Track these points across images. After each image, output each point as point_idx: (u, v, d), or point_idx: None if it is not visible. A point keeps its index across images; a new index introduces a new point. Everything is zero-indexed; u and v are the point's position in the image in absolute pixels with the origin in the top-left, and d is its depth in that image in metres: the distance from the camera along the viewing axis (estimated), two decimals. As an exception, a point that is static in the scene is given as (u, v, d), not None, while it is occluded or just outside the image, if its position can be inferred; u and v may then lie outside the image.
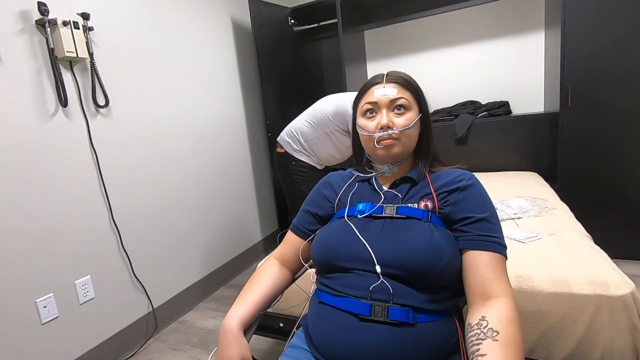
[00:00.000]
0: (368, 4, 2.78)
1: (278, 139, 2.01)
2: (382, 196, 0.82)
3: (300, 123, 1.95)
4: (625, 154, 1.97)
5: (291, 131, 1.96)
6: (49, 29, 1.43)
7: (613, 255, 1.18)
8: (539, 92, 2.56)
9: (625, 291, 0.93)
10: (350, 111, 1.76)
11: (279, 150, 1.99)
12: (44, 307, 1.43)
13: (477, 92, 2.71)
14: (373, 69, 3.02)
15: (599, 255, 1.12)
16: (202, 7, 2.31)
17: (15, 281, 1.35)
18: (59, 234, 1.49)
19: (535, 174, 2.27)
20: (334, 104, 1.86)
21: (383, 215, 0.78)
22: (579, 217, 1.50)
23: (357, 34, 2.85)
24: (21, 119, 1.39)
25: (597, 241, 1.27)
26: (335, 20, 2.53)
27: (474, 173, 0.82)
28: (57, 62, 1.47)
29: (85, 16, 1.55)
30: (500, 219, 1.46)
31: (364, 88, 0.86)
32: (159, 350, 1.75)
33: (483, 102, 2.65)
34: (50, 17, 1.42)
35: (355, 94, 1.91)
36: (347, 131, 1.87)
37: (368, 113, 0.83)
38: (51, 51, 1.45)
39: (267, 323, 1.32)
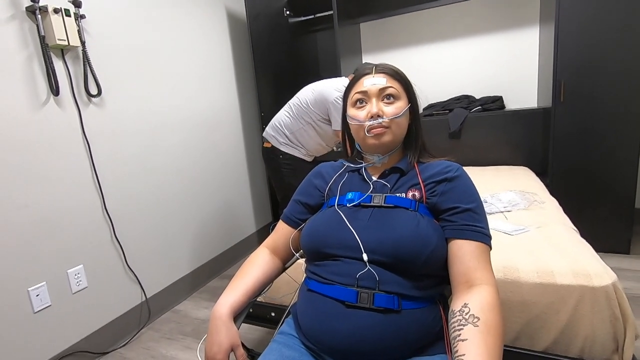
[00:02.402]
0: (364, -4, 2.77)
1: (264, 133, 1.99)
2: (372, 186, 0.83)
3: (283, 115, 1.94)
4: (615, 149, 2.00)
5: (275, 124, 1.95)
6: (39, 15, 1.42)
7: (600, 249, 1.20)
8: (532, 87, 2.58)
9: (607, 282, 0.95)
10: (330, 97, 1.78)
11: (265, 145, 1.97)
12: (37, 295, 1.44)
13: (471, 86, 2.72)
14: (369, 61, 3.01)
15: (584, 248, 1.15)
16: (197, -4, 2.28)
17: (8, 270, 1.36)
18: (52, 224, 1.49)
19: (527, 169, 2.30)
20: (314, 93, 1.85)
21: (372, 204, 0.79)
22: (567, 211, 1.53)
23: (353, 26, 2.83)
24: (12, 108, 1.37)
25: (585, 235, 1.30)
26: (331, 12, 2.51)
27: (467, 167, 0.83)
28: (48, 50, 1.45)
29: (77, 4, 1.53)
30: (490, 212, 1.51)
31: (355, 78, 0.87)
32: (152, 339, 1.77)
33: (477, 97, 2.66)
34: (40, 3, 1.41)
35: (335, 79, 1.91)
36: (328, 119, 1.86)
37: (358, 103, 0.84)
38: (42, 39, 1.43)
39: (258, 312, 1.34)
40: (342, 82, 1.85)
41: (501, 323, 0.63)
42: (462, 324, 0.62)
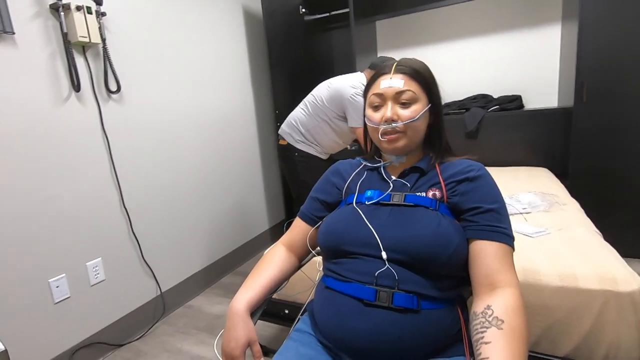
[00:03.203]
0: (380, -6, 2.74)
1: (279, 131, 1.99)
2: (391, 185, 0.82)
3: (299, 112, 1.93)
4: (639, 153, 1.93)
5: (291, 122, 1.94)
6: (62, 13, 1.45)
7: (624, 254, 1.16)
8: (552, 86, 2.51)
9: (633, 287, 0.92)
10: (345, 94, 1.77)
11: (281, 142, 1.97)
12: (57, 287, 1.47)
13: (489, 85, 2.67)
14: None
15: (608, 252, 1.11)
16: (214, -6, 2.30)
17: (30, 261, 1.39)
18: (72, 217, 1.53)
19: (546, 170, 2.24)
20: (329, 89, 1.84)
21: (391, 202, 0.78)
22: (589, 214, 1.48)
23: (368, 24, 2.81)
24: (35, 103, 1.41)
25: (608, 239, 1.26)
26: (347, 10, 2.49)
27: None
28: (70, 46, 1.48)
29: (99, 1, 1.56)
30: (509, 213, 1.47)
31: (373, 77, 0.85)
32: (166, 333, 1.79)
33: (495, 96, 2.61)
34: (64, 1, 1.44)
35: (351, 75, 1.89)
36: (343, 116, 1.83)
37: (374, 104, 0.83)
38: (64, 36, 1.46)
39: (272, 309, 1.34)
40: (358, 78, 1.83)
41: (526, 327, 0.62)
42: (485, 326, 0.61)
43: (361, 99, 1.70)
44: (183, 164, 2.07)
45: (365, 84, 1.84)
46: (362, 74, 1.89)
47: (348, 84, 1.79)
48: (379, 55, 3.00)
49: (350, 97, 1.75)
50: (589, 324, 0.94)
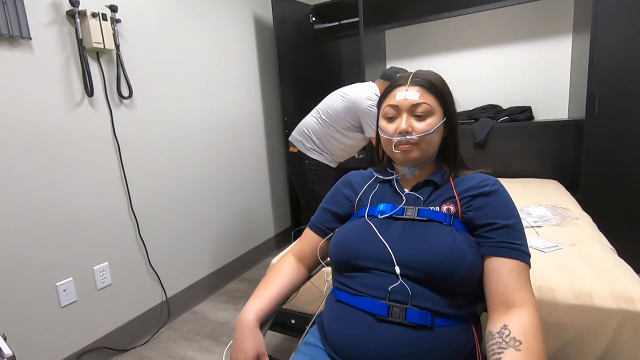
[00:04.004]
0: (390, 3, 2.75)
1: (290, 138, 2.00)
2: (404, 198, 0.81)
3: (311, 120, 1.94)
4: (654, 165, 1.90)
5: (303, 129, 1.95)
6: (78, 19, 1.47)
7: (638, 270, 1.14)
8: (563, 98, 2.49)
9: (652, 307, 0.89)
10: (361, 106, 1.78)
11: (291, 149, 1.98)
12: (64, 290, 1.47)
13: (498, 95, 2.66)
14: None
15: (624, 269, 1.09)
16: (226, 3, 2.32)
17: (38, 264, 1.40)
18: (81, 221, 1.53)
19: (557, 182, 2.21)
20: (344, 100, 1.85)
21: (404, 216, 0.77)
22: (601, 228, 1.46)
23: (378, 33, 2.82)
24: (50, 107, 1.42)
25: (621, 254, 1.23)
26: (357, 19, 2.51)
27: None
28: (85, 52, 1.50)
29: (114, 8, 1.58)
30: (520, 226, 1.45)
31: (389, 88, 0.85)
32: (171, 339, 1.78)
33: (505, 107, 2.59)
34: (80, 8, 1.46)
35: (365, 86, 1.92)
36: (358, 127, 1.87)
37: (389, 115, 0.82)
38: (80, 42, 1.48)
39: (278, 319, 1.33)
40: (372, 89, 1.85)
41: (544, 348, 0.60)
42: (502, 347, 0.59)
43: (376, 110, 1.72)
44: (191, 169, 2.08)
45: (378, 94, 1.85)
46: (374, 84, 1.90)
47: (364, 96, 1.81)
48: (388, 64, 3.00)
49: (367, 108, 1.78)
50: (604, 344, 0.92)
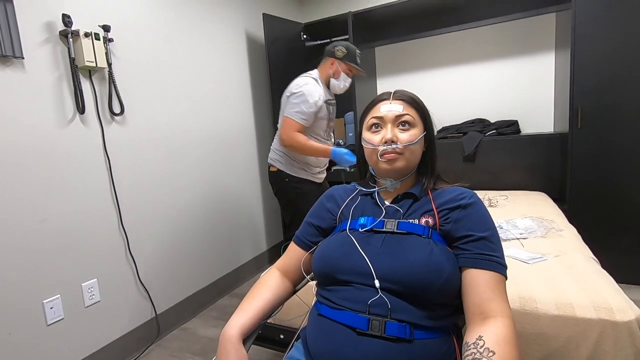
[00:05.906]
0: (379, 21, 2.83)
1: (268, 160, 1.97)
2: (384, 211, 0.83)
3: (276, 136, 1.95)
4: (635, 176, 1.94)
5: (272, 147, 1.96)
6: (71, 39, 1.50)
7: (621, 280, 1.16)
8: (548, 112, 2.56)
9: (630, 317, 0.91)
10: (290, 90, 1.77)
11: (271, 169, 1.95)
12: (51, 308, 1.46)
13: (486, 110, 2.72)
14: (383, 85, 3.05)
15: (605, 279, 1.11)
16: (218, 21, 2.38)
17: (25, 281, 1.39)
18: (70, 237, 1.53)
19: (544, 194, 2.25)
20: (284, 97, 1.85)
21: (384, 230, 0.79)
22: (587, 239, 1.49)
23: (368, 50, 2.90)
24: (41, 124, 1.44)
25: (606, 265, 1.26)
26: (347, 37, 2.58)
27: (481, 191, 0.83)
28: (77, 71, 1.53)
29: (106, 28, 1.62)
30: (505, 238, 1.47)
31: (371, 104, 0.89)
32: (160, 357, 1.76)
33: (492, 121, 2.65)
34: (73, 28, 1.49)
35: (304, 76, 1.89)
36: (304, 118, 1.76)
37: (374, 127, 0.85)
38: (72, 60, 1.51)
39: (267, 334, 1.32)
40: (306, 76, 1.86)
41: (517, 357, 0.61)
42: (476, 358, 0.61)
43: (302, 93, 1.73)
44: (182, 184, 2.09)
45: (315, 77, 1.83)
46: (315, 70, 1.91)
47: (294, 83, 1.83)
48: (378, 80, 3.07)
49: (293, 90, 1.78)
50: (586, 354, 0.93)
